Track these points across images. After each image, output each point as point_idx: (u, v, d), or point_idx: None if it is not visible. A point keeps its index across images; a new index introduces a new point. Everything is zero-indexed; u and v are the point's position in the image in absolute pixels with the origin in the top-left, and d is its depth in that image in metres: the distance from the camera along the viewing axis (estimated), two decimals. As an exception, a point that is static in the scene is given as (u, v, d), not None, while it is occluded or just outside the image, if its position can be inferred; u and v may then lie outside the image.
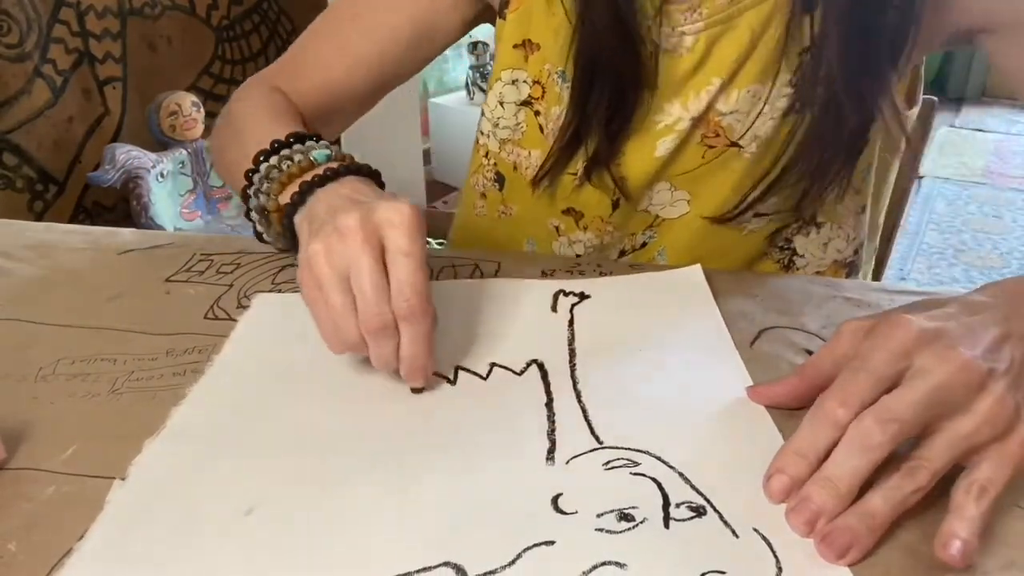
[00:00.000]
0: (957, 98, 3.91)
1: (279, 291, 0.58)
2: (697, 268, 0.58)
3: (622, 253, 0.71)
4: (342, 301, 0.43)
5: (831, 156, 0.60)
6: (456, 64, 2.93)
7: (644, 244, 0.69)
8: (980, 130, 3.59)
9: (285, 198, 0.52)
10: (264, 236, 0.58)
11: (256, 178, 0.56)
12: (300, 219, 0.50)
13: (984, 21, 0.58)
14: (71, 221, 1.71)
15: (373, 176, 0.54)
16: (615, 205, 0.67)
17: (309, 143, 0.56)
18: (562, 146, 0.63)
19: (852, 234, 0.68)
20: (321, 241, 0.44)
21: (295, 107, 0.70)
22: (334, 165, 0.52)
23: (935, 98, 0.81)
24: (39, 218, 1.65)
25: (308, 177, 0.51)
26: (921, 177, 2.99)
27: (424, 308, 0.43)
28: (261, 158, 0.56)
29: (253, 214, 0.57)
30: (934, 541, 0.34)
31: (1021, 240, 2.62)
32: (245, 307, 0.56)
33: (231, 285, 0.59)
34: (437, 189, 2.75)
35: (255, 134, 0.59)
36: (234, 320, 0.54)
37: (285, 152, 0.55)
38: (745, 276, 0.61)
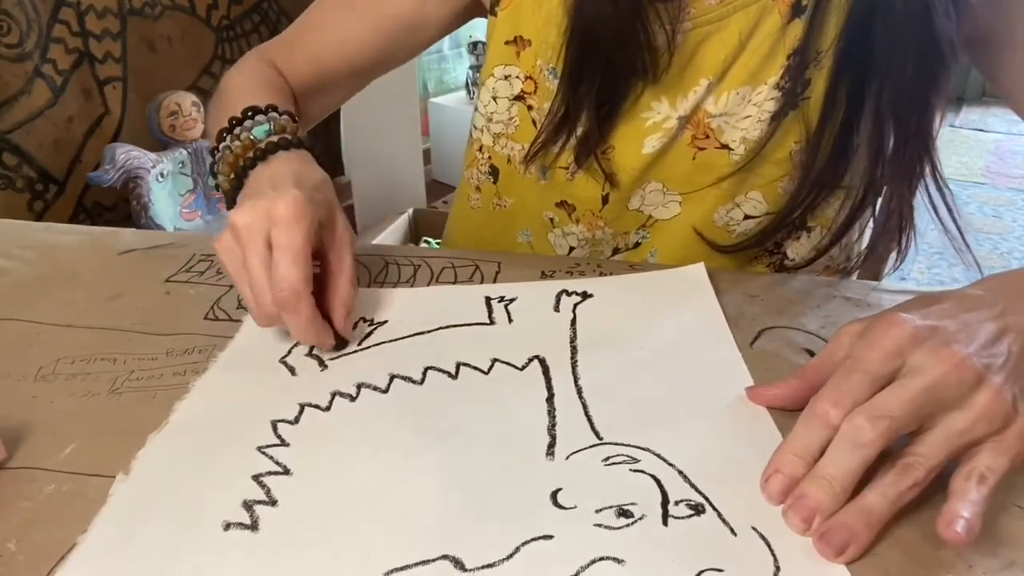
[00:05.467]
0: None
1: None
2: (700, 267, 0.58)
3: (615, 251, 0.71)
4: (247, 293, 0.49)
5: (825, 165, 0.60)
6: (456, 64, 2.93)
7: (637, 244, 0.70)
8: (980, 130, 3.59)
9: (227, 183, 0.57)
10: None
11: (217, 157, 0.59)
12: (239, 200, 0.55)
13: (977, 32, 0.58)
14: (71, 221, 1.71)
15: (303, 146, 0.56)
16: (605, 200, 0.67)
17: (259, 117, 0.58)
18: (553, 125, 0.63)
19: (844, 240, 0.66)
20: (222, 240, 0.49)
21: (283, 81, 0.72)
22: (261, 145, 0.55)
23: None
24: (39, 218, 1.65)
25: (241, 162, 0.56)
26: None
27: (295, 299, 0.47)
28: (224, 135, 0.58)
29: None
30: (937, 522, 0.34)
31: (1021, 240, 2.62)
32: (245, 308, 0.56)
33: (231, 286, 0.59)
34: (437, 189, 2.75)
35: (234, 108, 0.61)
36: (234, 320, 0.55)
37: (237, 130, 0.58)
38: (745, 276, 0.61)
